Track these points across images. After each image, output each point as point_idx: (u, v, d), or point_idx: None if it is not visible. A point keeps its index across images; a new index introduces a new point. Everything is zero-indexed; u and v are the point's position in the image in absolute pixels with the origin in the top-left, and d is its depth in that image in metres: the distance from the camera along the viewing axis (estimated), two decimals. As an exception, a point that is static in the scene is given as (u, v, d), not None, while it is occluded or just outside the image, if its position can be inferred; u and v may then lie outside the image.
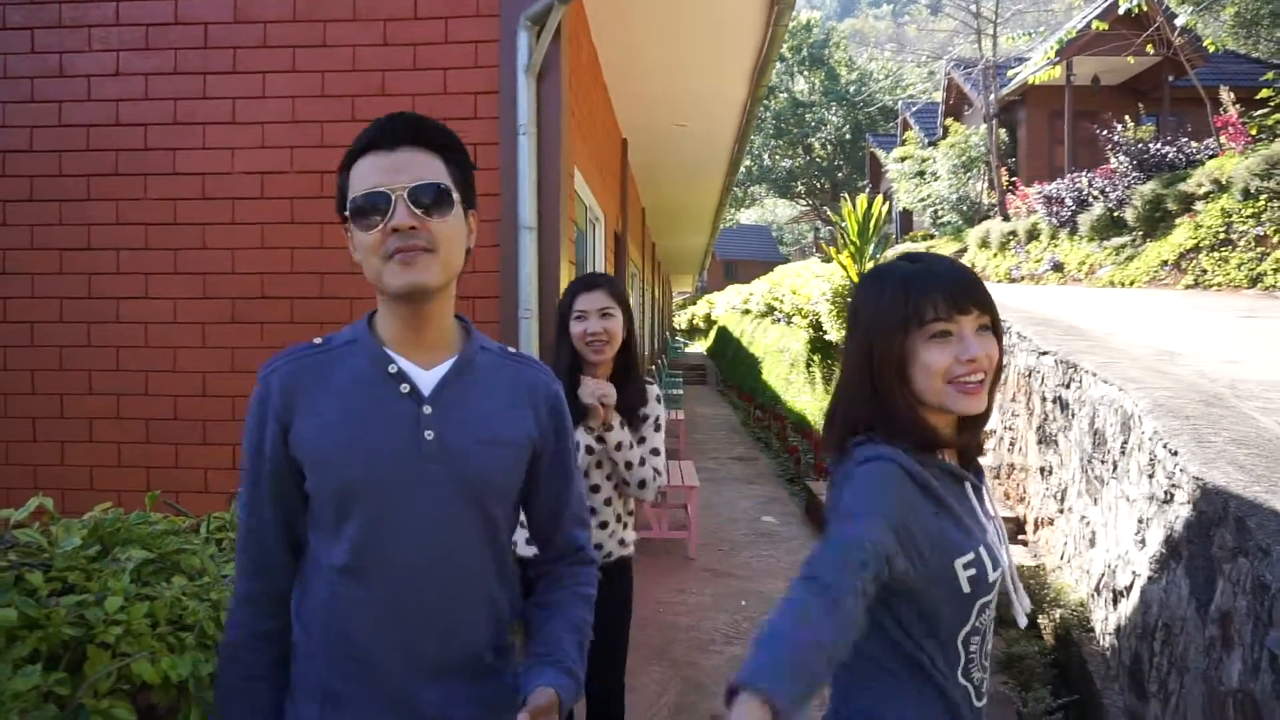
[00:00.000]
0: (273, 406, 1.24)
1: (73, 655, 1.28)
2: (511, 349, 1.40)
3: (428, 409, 1.24)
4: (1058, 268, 12.92)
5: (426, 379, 1.26)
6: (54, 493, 3.92)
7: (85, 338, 3.99)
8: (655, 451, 2.52)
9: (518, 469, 1.31)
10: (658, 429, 2.55)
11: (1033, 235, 14.24)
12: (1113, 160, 12.62)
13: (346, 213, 1.24)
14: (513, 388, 1.32)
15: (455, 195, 1.24)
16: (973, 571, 1.22)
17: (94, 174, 3.97)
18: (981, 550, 1.25)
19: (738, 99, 7.14)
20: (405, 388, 1.24)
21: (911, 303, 1.23)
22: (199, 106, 3.95)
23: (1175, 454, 3.11)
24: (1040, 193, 14.09)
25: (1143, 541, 3.37)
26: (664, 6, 5.16)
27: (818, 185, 35.46)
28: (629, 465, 2.44)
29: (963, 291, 1.23)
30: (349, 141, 4.14)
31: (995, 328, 1.26)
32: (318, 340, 1.30)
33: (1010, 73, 17.71)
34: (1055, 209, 13.55)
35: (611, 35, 5.55)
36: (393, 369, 1.25)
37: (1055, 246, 13.47)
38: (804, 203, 37.51)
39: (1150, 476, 3.34)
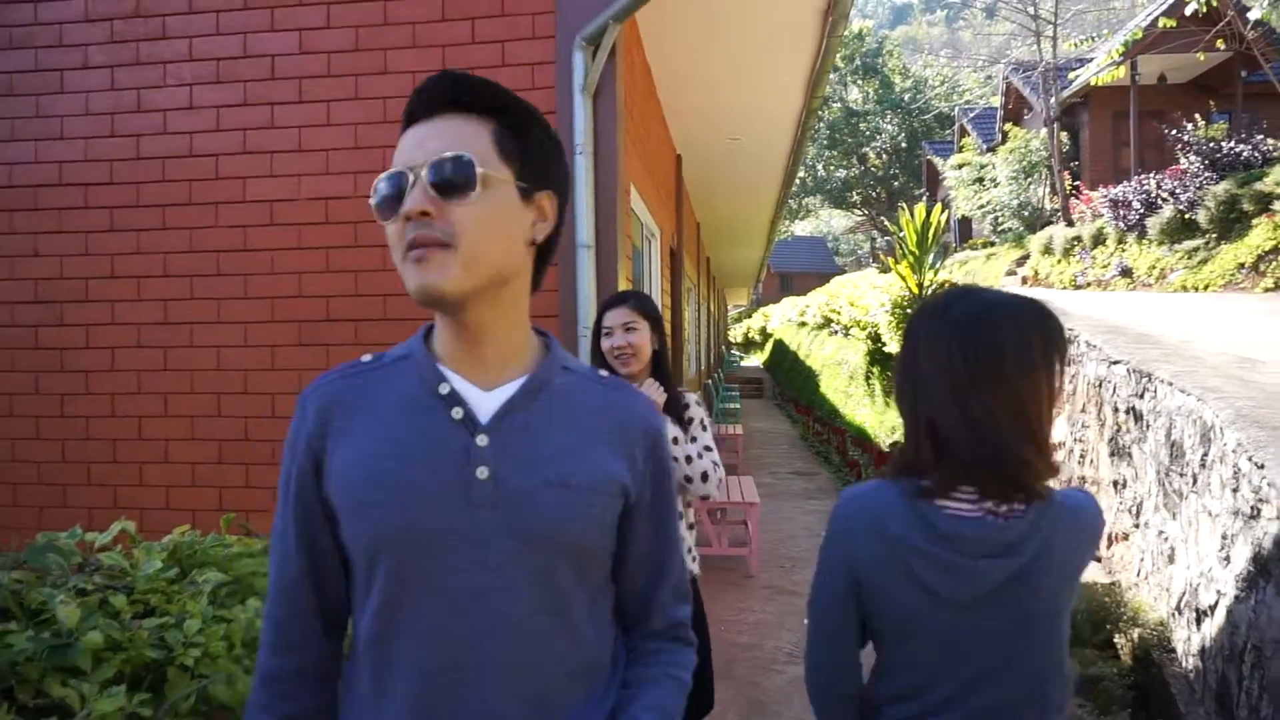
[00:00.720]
0: (305, 434, 1.02)
1: (154, 676, 1.31)
2: (604, 373, 1.10)
3: (483, 439, 0.97)
4: (1126, 273, 12.53)
5: (485, 403, 1.00)
6: (134, 512, 4.08)
7: (162, 362, 4.13)
8: (708, 448, 2.60)
9: (602, 524, 1.01)
10: (704, 429, 2.64)
11: (1098, 240, 13.84)
12: (1182, 160, 12.21)
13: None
14: (600, 419, 1.03)
15: (487, 170, 0.94)
16: None
17: (169, 204, 4.13)
18: None
19: (792, 111, 7.10)
20: (458, 413, 0.98)
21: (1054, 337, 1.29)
22: (267, 135, 4.07)
23: (1262, 467, 2.97)
24: (1106, 196, 13.70)
25: (1228, 558, 3.22)
26: (717, 22, 5.17)
27: (873, 195, 35.04)
28: (688, 459, 2.51)
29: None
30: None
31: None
32: (367, 358, 1.07)
33: (1071, 74, 17.28)
34: (1122, 212, 13.16)
35: (665, 51, 5.58)
36: (444, 389, 0.99)
37: (1123, 251, 13.07)
38: (860, 213, 37.09)
39: (1234, 490, 3.20)
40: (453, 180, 0.92)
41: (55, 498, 4.19)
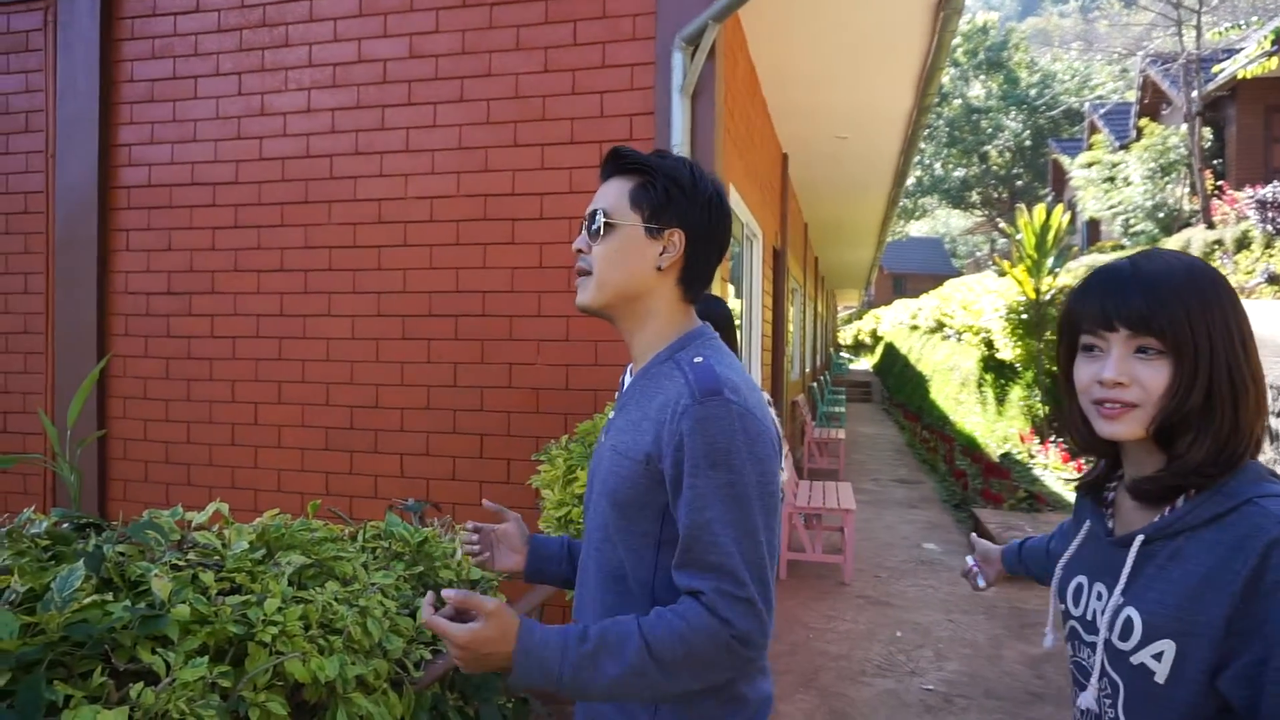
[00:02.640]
0: None
1: (235, 651, 1.39)
2: (700, 359, 1.26)
3: (612, 413, 1.37)
4: (1273, 280, 11.62)
5: (626, 386, 1.38)
6: (248, 493, 4.33)
7: (277, 352, 4.37)
8: None
9: (635, 486, 1.23)
10: None
11: (1243, 244, 12.88)
12: (1342, 159, 11.22)
13: None
14: (654, 399, 1.26)
15: (614, 219, 1.31)
16: (1055, 595, 1.28)
17: (287, 202, 4.36)
18: (1070, 587, 1.24)
19: (903, 110, 6.90)
20: (618, 393, 1.39)
21: (1074, 309, 1.17)
22: (377, 137, 4.25)
23: None
24: (1253, 197, 12.73)
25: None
26: (824, 19, 5.08)
27: (994, 195, 33.70)
28: None
29: (1110, 307, 1.10)
30: (511, 165, 4.33)
31: (1180, 349, 1.07)
32: None
33: (1216, 67, 16.15)
34: (1270, 214, 12.20)
35: (770, 50, 5.51)
36: (623, 376, 1.42)
37: (1271, 256, 12.12)
38: (979, 213, 35.74)
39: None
40: (592, 227, 1.32)
41: (180, 476, 4.49)
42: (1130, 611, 1.09)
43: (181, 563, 1.46)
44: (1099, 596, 1.17)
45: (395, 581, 1.71)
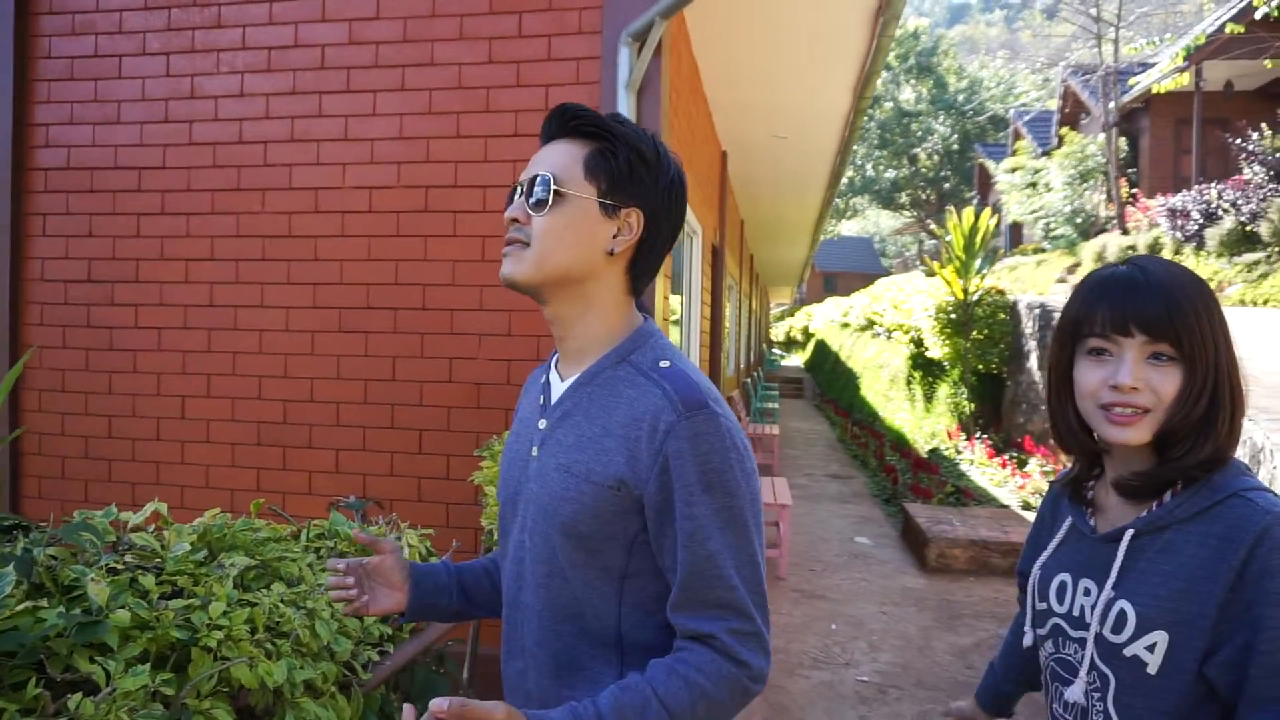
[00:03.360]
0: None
1: (178, 656, 1.34)
2: (666, 364, 1.13)
3: (543, 423, 1.17)
4: (1182, 285, 12.19)
5: (558, 391, 1.18)
6: (174, 490, 4.17)
7: (206, 344, 4.22)
8: None
9: (600, 515, 1.08)
10: None
11: (1154, 250, 13.48)
12: (1246, 171, 11.85)
13: None
14: (620, 412, 1.10)
15: (566, 188, 1.12)
16: (1033, 592, 1.28)
17: (218, 189, 4.21)
18: (1053, 585, 1.24)
19: (840, 111, 7.02)
20: (541, 399, 1.21)
21: (1079, 311, 1.17)
22: (314, 124, 4.13)
23: (1313, 493, 2.87)
24: (1164, 205, 13.35)
25: (1274, 585, 3.12)
26: (767, 19, 5.13)
27: (923, 196, 34.55)
28: None
29: (1129, 311, 1.11)
30: (453, 157, 4.25)
31: (1192, 357, 1.09)
32: None
33: (1132, 80, 16.86)
34: (1180, 222, 12.81)
35: (713, 48, 5.55)
36: (544, 378, 1.23)
37: (1178, 262, 12.72)
38: (908, 214, 36.61)
39: (1283, 516, 3.10)
40: (535, 195, 1.12)
41: (100, 472, 4.31)
42: (1124, 605, 1.12)
43: (119, 565, 1.40)
44: (1086, 593, 1.19)
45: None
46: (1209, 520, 1.09)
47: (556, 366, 1.21)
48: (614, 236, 1.15)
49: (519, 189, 1.15)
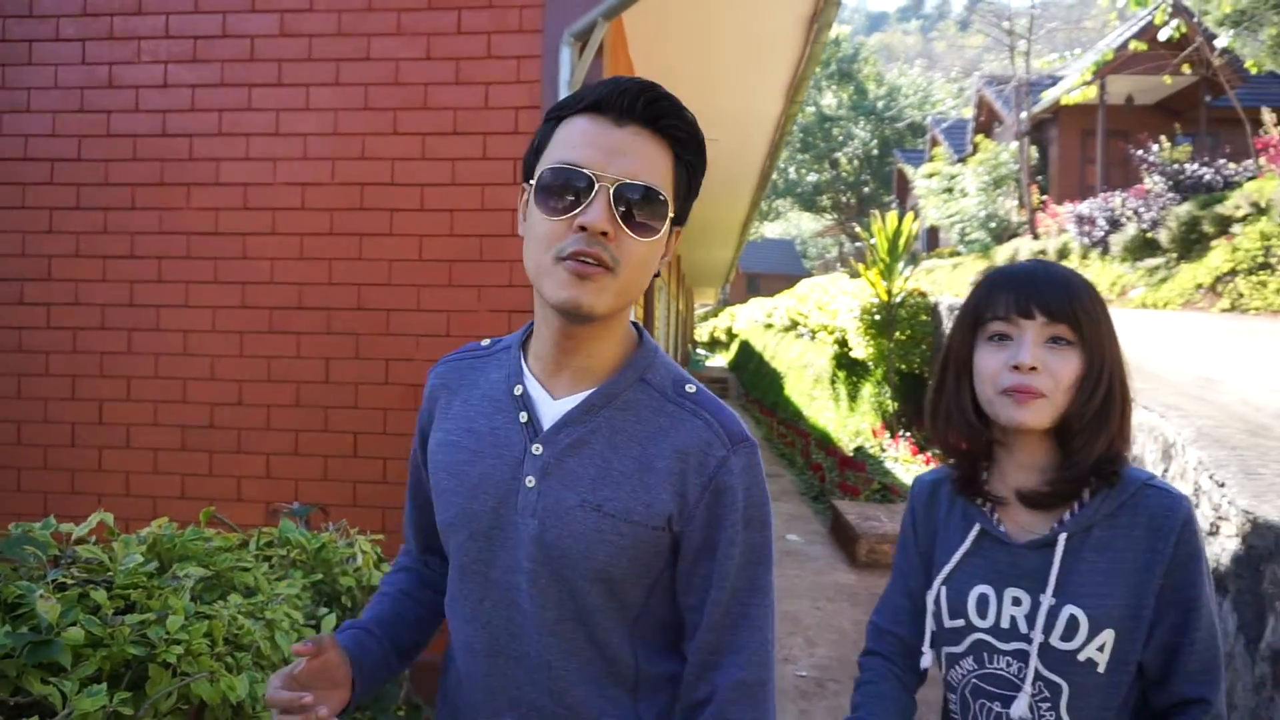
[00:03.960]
0: (424, 410, 1.14)
1: (134, 674, 1.28)
2: (693, 388, 1.04)
3: (538, 449, 0.99)
4: (1089, 288, 12.80)
5: (552, 410, 1.01)
6: (91, 498, 3.99)
7: (126, 345, 4.03)
8: None
9: (635, 556, 0.97)
10: None
11: (1063, 255, 14.12)
12: (1147, 180, 12.50)
13: (532, 180, 0.97)
14: (658, 444, 0.98)
15: (668, 208, 0.96)
16: (941, 609, 1.23)
17: (139, 183, 4.03)
18: (970, 599, 1.19)
19: (772, 114, 7.14)
20: (524, 417, 1.01)
21: (976, 302, 1.21)
22: (243, 118, 3.99)
23: (1223, 486, 3.05)
24: (1072, 212, 13.98)
25: (1185, 573, 3.31)
26: (703, 23, 5.18)
27: (844, 200, 35.36)
28: None
29: (1030, 294, 1.14)
30: (390, 154, 4.16)
31: (1089, 344, 1.13)
32: (485, 341, 1.13)
33: (1043, 92, 17.61)
34: (1087, 229, 13.43)
35: (649, 51, 5.57)
36: (518, 390, 1.02)
37: (1086, 267, 13.34)
38: (829, 217, 37.40)
39: (1195, 508, 3.28)
40: (638, 212, 0.92)
41: (9, 481, 4.07)
42: (1073, 610, 1.11)
43: (67, 580, 1.33)
44: (1016, 602, 1.16)
45: (299, 591, 1.62)
46: (1130, 513, 1.14)
47: (537, 379, 1.03)
48: (662, 257, 1.02)
49: (605, 191, 0.91)
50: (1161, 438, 3.78)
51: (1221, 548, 2.99)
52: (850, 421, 11.50)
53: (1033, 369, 1.13)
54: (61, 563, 1.41)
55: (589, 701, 1.00)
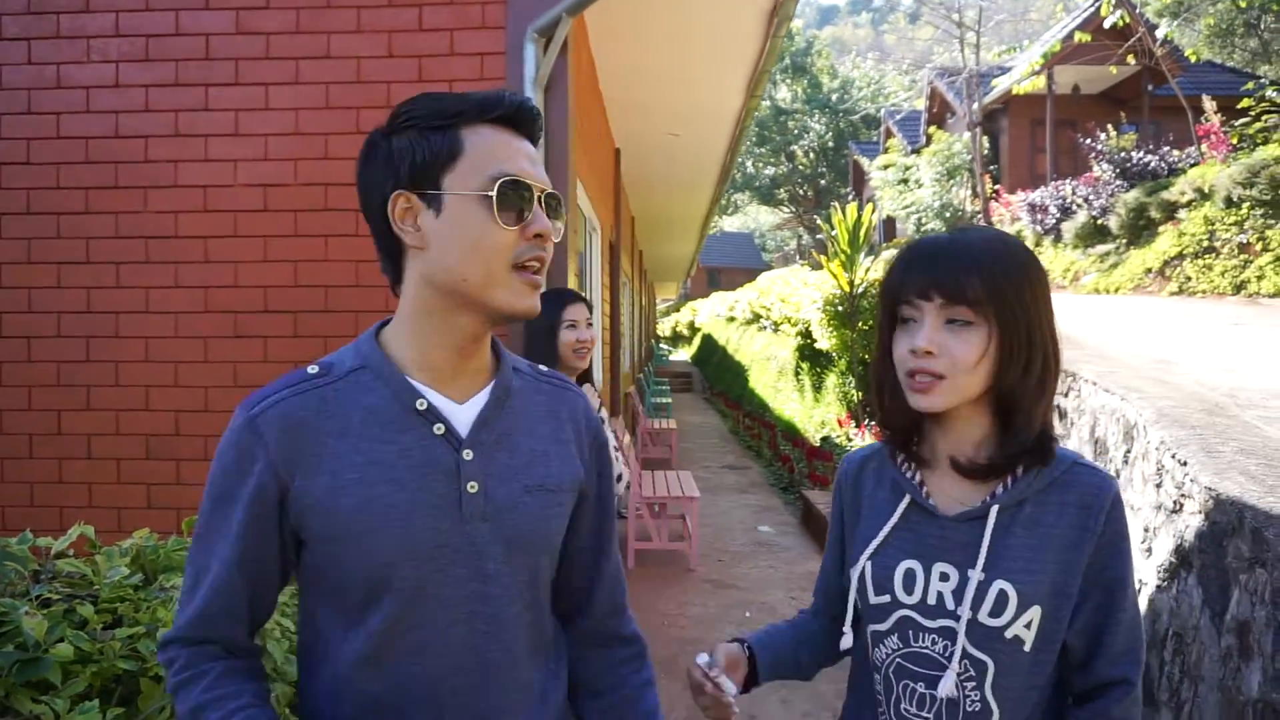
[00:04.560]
0: (265, 458, 0.94)
1: (124, 689, 1.25)
2: (542, 366, 1.14)
3: (468, 454, 0.98)
4: (1043, 275, 13.06)
5: (461, 415, 1.00)
6: (51, 510, 3.88)
7: (84, 353, 3.93)
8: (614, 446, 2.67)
9: (565, 520, 1.07)
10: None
11: (1017, 242, 14.38)
12: (1095, 168, 12.78)
13: (467, 190, 0.96)
14: (554, 418, 1.08)
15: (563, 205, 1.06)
16: (866, 585, 1.19)
17: (93, 187, 3.92)
18: (897, 574, 1.16)
19: (732, 109, 7.17)
20: (439, 428, 0.98)
21: (889, 281, 1.16)
22: (200, 118, 3.90)
23: (1184, 464, 3.14)
24: (1024, 200, 14.26)
25: (1149, 550, 3.39)
26: (664, 18, 5.18)
27: (801, 192, 35.68)
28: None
29: (925, 275, 1.10)
30: (354, 153, 4.08)
31: (1002, 318, 1.08)
32: (313, 368, 1.00)
33: (993, 82, 17.91)
34: (1039, 216, 13.71)
35: (610, 46, 5.56)
36: (421, 405, 0.98)
37: (1039, 254, 13.62)
38: (787, 210, 37.71)
39: (1158, 486, 3.37)
40: (557, 213, 1.01)
41: (-35, 496, 3.95)
42: (1002, 585, 1.08)
43: (51, 596, 1.29)
44: (943, 578, 1.12)
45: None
46: (1062, 489, 1.11)
47: (431, 388, 1.00)
48: None
49: (537, 199, 0.98)
50: (1123, 419, 3.87)
51: (1185, 524, 3.08)
52: (816, 412, 11.61)
53: (928, 353, 1.09)
54: (43, 578, 1.37)
55: (535, 676, 1.06)
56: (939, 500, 1.16)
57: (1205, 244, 9.74)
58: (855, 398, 10.42)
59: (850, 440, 9.80)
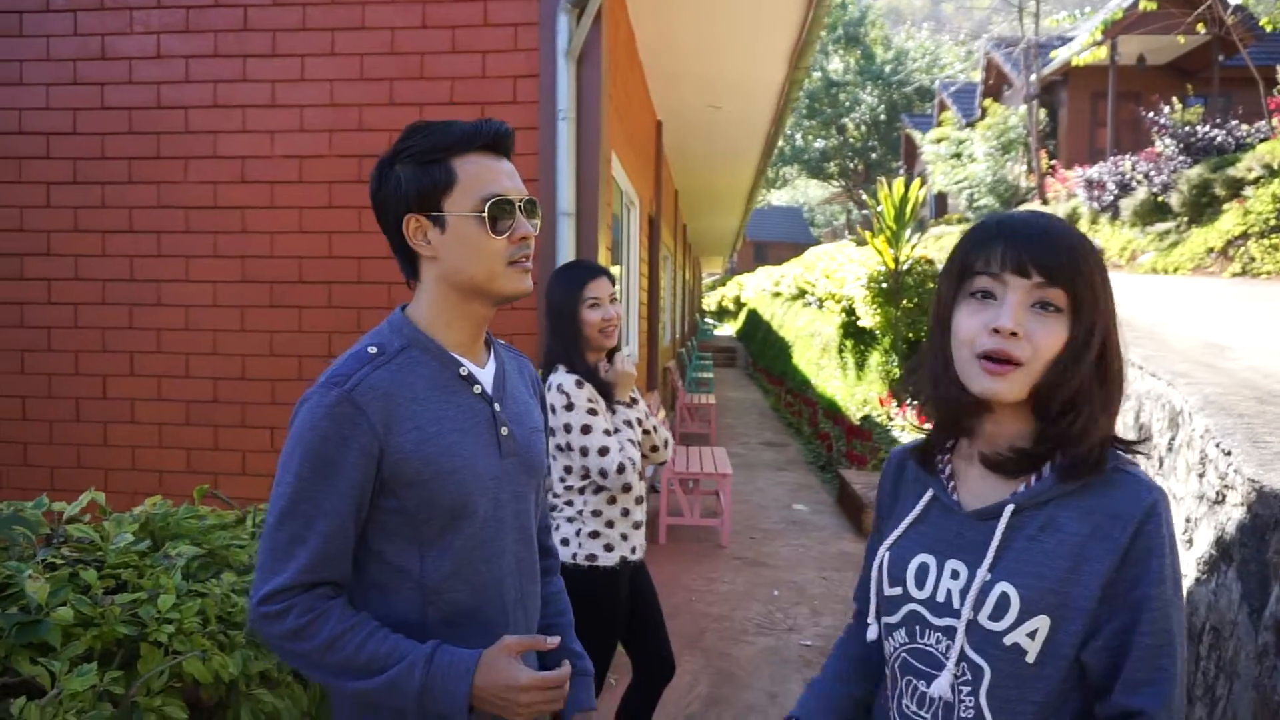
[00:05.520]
0: (369, 423, 1.15)
1: (125, 653, 1.28)
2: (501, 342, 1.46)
3: (497, 406, 1.28)
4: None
5: (486, 377, 1.29)
6: (97, 472, 4.00)
7: (127, 320, 4.03)
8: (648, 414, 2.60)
9: None
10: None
11: (1072, 220, 13.97)
12: (1157, 143, 12.31)
13: (463, 211, 1.20)
14: (523, 378, 1.40)
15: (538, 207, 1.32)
16: (883, 576, 1.15)
17: (136, 157, 4.00)
18: (910, 568, 1.11)
19: (775, 81, 7.03)
20: (478, 388, 1.26)
21: (966, 249, 1.06)
22: (238, 89, 3.95)
23: (1229, 454, 3.02)
24: (1081, 176, 13.81)
25: (1190, 541, 3.29)
26: (704, -13, 5.08)
27: (851, 166, 35.02)
28: (655, 429, 2.56)
29: (1027, 251, 1.00)
30: (388, 125, 4.09)
31: (1081, 313, 1.01)
32: (372, 349, 1.22)
33: (1052, 53, 17.31)
34: (1096, 193, 13.27)
35: (649, 16, 5.47)
36: (463, 371, 1.25)
37: (1095, 232, 13.21)
38: (837, 184, 37.08)
39: (1200, 475, 3.26)
40: (535, 213, 1.27)
41: (15, 456, 4.09)
42: (1005, 588, 1.02)
43: (57, 560, 1.33)
44: (954, 575, 1.07)
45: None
46: (1093, 494, 1.02)
47: (464, 358, 1.27)
48: None
49: (519, 208, 1.23)
50: (1169, 405, 3.74)
51: (1227, 516, 2.97)
52: (858, 390, 11.47)
53: (1013, 334, 1.00)
54: (53, 542, 1.40)
55: (534, 584, 1.37)
56: (964, 496, 1.11)
57: (1272, 223, 9.34)
58: (897, 376, 10.27)
59: (890, 419, 9.67)
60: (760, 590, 4.79)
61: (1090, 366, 1.02)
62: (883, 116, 33.26)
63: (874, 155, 34.13)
